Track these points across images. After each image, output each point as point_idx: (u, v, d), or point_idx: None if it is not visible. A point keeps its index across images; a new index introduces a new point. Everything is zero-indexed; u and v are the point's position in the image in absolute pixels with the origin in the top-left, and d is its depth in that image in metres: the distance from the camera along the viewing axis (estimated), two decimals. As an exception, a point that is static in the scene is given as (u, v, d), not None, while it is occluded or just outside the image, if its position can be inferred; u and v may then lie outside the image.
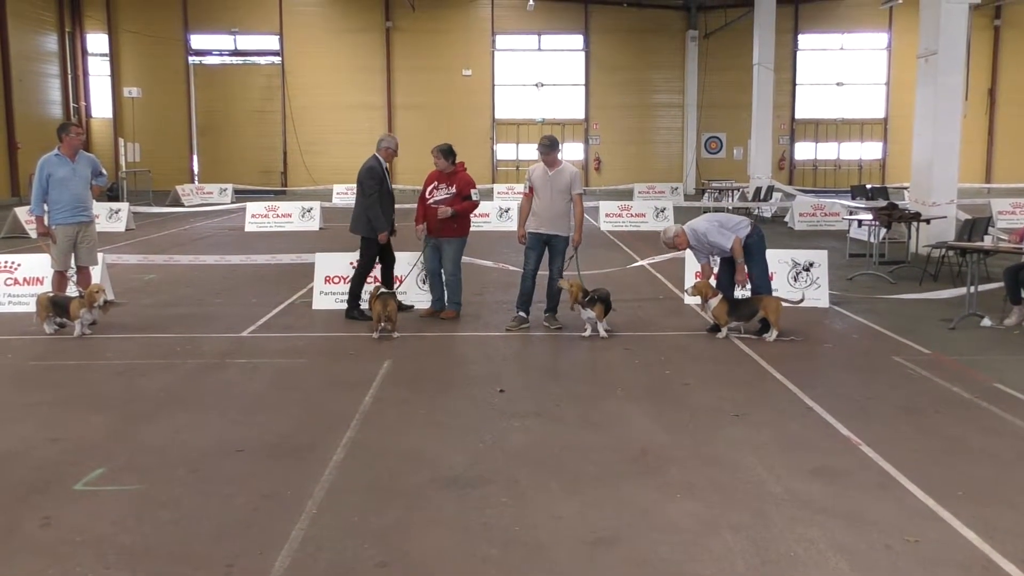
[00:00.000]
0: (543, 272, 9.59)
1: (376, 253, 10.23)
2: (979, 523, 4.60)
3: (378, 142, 10.50)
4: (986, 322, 9.65)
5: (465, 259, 11.84)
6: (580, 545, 4.40)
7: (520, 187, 32.42)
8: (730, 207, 25.24)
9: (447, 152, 9.97)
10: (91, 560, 4.21)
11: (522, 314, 9.55)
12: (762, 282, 9.24)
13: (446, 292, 10.21)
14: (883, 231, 14.74)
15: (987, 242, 11.39)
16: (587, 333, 9.10)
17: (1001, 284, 10.16)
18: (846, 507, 4.83)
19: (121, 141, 32.59)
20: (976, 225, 12.58)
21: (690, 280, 10.55)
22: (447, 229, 9.96)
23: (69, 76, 36.52)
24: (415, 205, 10.37)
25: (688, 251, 10.07)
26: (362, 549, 4.35)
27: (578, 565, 4.20)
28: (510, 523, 4.67)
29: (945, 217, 15.32)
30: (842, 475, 5.30)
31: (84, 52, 37.74)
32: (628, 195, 30.99)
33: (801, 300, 9.48)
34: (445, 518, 4.75)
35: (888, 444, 5.81)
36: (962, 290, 10.67)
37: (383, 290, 9.45)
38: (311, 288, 11.07)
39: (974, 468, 5.45)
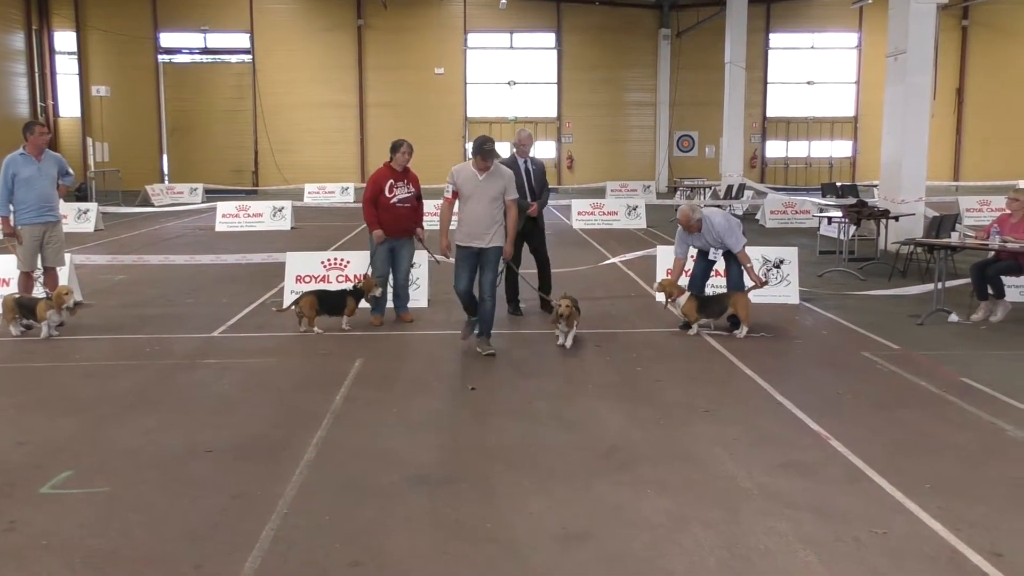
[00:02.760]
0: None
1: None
2: (946, 515, 4.65)
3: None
4: (953, 318, 9.76)
5: (437, 257, 11.83)
6: (552, 541, 4.40)
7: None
8: (702, 205, 25.35)
9: (411, 150, 9.76)
10: (57, 564, 4.16)
11: (473, 318, 8.72)
12: (735, 279, 9.28)
13: (399, 296, 10.04)
14: (852, 228, 14.88)
15: (954, 239, 11.53)
16: (564, 342, 8.59)
17: (968, 280, 10.30)
18: (815, 501, 4.87)
19: (90, 140, 32.19)
20: (944, 222, 12.73)
21: (662, 276, 10.58)
22: (407, 230, 9.75)
23: (36, 75, 36.05)
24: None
25: (666, 248, 10.10)
26: (334, 548, 4.33)
27: (550, 561, 4.21)
28: (482, 520, 4.66)
29: (914, 214, 15.48)
30: (811, 469, 5.35)
31: (51, 50, 37.25)
32: (601, 193, 31.07)
33: (765, 283, 9.43)
34: (417, 516, 4.74)
35: (857, 438, 5.86)
36: (930, 286, 10.79)
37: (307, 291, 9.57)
38: (282, 288, 11.00)
39: (941, 461, 5.51)
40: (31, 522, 4.63)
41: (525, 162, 10.19)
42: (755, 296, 9.43)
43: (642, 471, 5.35)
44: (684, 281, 9.53)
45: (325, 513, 4.74)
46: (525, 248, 10.27)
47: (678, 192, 29.01)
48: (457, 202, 8.21)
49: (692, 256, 9.65)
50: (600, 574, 4.05)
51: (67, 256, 10.36)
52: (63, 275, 10.11)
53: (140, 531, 4.54)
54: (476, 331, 8.44)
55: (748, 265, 9.13)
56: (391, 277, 9.81)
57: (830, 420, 6.25)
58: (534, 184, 10.17)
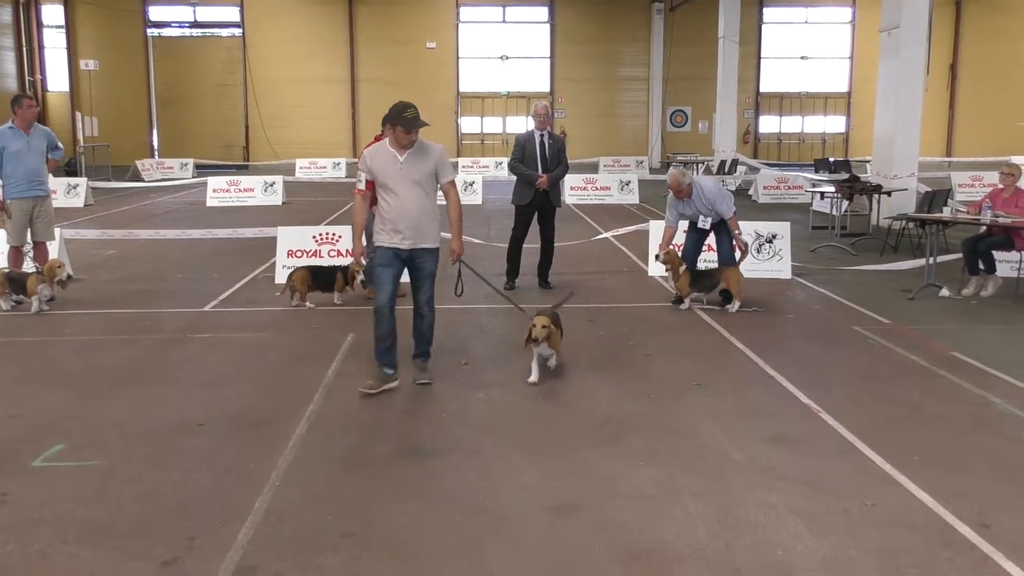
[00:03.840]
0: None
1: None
2: (935, 487, 4.68)
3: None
4: (944, 292, 9.79)
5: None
6: (543, 512, 4.42)
7: (485, 160, 32.41)
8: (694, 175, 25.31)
9: None
10: (50, 536, 4.16)
11: (387, 369, 6.40)
12: (727, 253, 9.27)
13: None
14: (845, 203, 14.88)
15: (946, 214, 11.54)
16: (535, 378, 6.63)
17: (959, 255, 10.32)
18: (805, 473, 4.89)
19: (79, 115, 31.98)
20: (936, 197, 12.72)
21: (655, 250, 10.56)
22: None
23: (24, 48, 35.73)
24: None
25: (659, 222, 10.09)
26: (326, 520, 4.34)
27: (541, 532, 4.23)
28: (474, 492, 4.68)
29: (906, 190, 15.48)
30: (802, 442, 5.37)
31: (39, 24, 36.90)
32: (594, 168, 31.00)
33: (745, 248, 9.28)
34: (409, 488, 4.75)
35: (847, 412, 5.89)
36: (921, 261, 10.82)
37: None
38: (274, 262, 10.97)
39: (931, 434, 5.54)
40: (24, 495, 4.63)
41: (542, 135, 10.05)
42: (747, 271, 9.45)
43: (633, 443, 5.37)
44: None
45: (317, 485, 4.75)
46: (533, 226, 10.21)
47: (671, 168, 28.96)
48: (378, 195, 6.34)
49: (683, 230, 9.64)
50: (591, 544, 4.07)
51: (57, 231, 10.31)
52: (53, 250, 10.05)
53: (133, 504, 4.54)
54: (413, 353, 6.71)
55: (736, 232, 9.11)
56: None
57: (821, 393, 6.27)
58: (548, 159, 9.99)
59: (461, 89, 38.43)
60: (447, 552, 4.04)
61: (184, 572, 3.84)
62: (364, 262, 6.92)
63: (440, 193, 6.51)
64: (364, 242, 6.79)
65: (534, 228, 10.16)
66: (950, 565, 3.87)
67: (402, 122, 6.13)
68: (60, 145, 10.06)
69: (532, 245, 10.28)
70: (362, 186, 6.39)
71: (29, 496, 4.61)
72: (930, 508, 4.45)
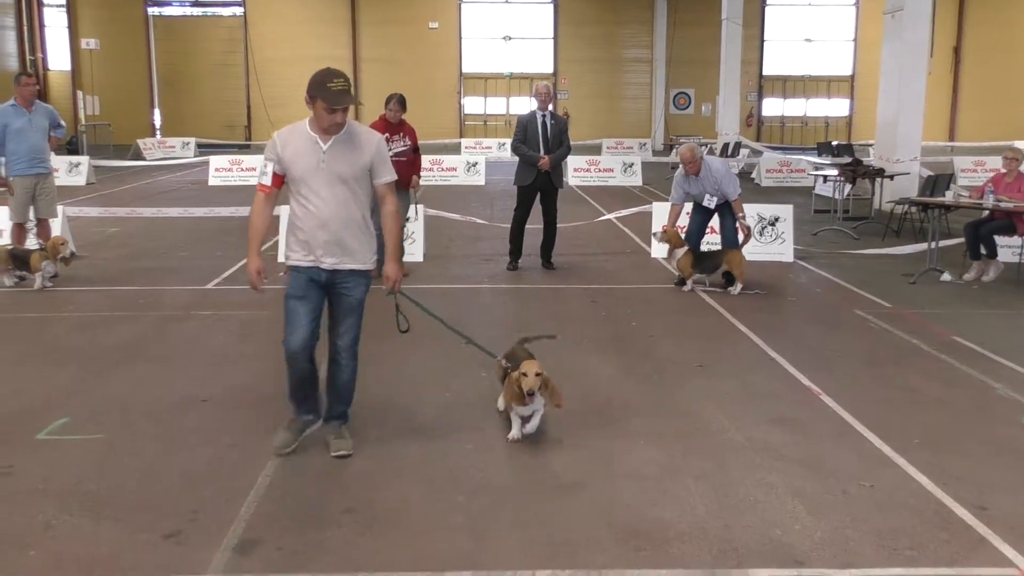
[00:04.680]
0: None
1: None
2: (933, 470, 4.70)
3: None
4: (946, 277, 9.80)
5: (432, 212, 11.85)
6: (545, 491, 4.45)
7: (488, 141, 32.29)
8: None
9: (404, 102, 9.69)
10: (54, 507, 4.19)
11: (284, 432, 4.96)
12: (730, 235, 9.27)
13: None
14: (847, 187, 14.87)
15: (949, 198, 11.53)
16: (516, 435, 5.08)
17: (961, 240, 10.33)
18: (805, 454, 4.92)
19: (80, 94, 31.92)
20: (938, 182, 12.71)
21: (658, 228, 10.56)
22: (404, 183, 9.72)
23: (25, 27, 35.60)
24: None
25: (662, 204, 10.08)
26: (329, 496, 4.37)
27: (543, 510, 4.25)
28: (476, 471, 4.71)
29: (908, 174, 15.47)
30: (802, 424, 5.40)
31: (40, 3, 36.79)
32: (596, 150, 30.92)
33: (749, 231, 9.20)
34: (411, 466, 4.78)
35: (848, 394, 5.91)
36: (923, 245, 10.82)
37: None
38: (276, 241, 10.96)
39: (931, 418, 5.56)
40: (28, 467, 4.66)
41: (544, 116, 9.98)
42: (750, 253, 9.45)
43: (635, 424, 5.40)
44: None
45: (319, 462, 4.78)
46: (536, 206, 10.17)
47: (674, 150, 28.91)
48: (291, 195, 4.75)
49: (687, 212, 9.63)
50: (592, 523, 4.10)
51: (59, 208, 10.31)
52: (56, 227, 10.07)
53: (136, 477, 4.57)
54: (320, 416, 5.09)
55: (741, 215, 9.11)
56: None
57: (822, 376, 6.29)
58: (551, 139, 9.92)
59: (464, 69, 38.34)
60: (448, 529, 4.07)
61: (187, 545, 3.87)
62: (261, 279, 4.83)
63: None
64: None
65: (537, 209, 10.15)
66: (947, 547, 3.89)
67: (325, 95, 4.44)
68: (62, 123, 10.05)
69: (535, 226, 10.28)
70: (267, 181, 4.67)
71: (33, 468, 4.65)
72: (928, 490, 4.47)
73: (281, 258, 9.98)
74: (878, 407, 5.70)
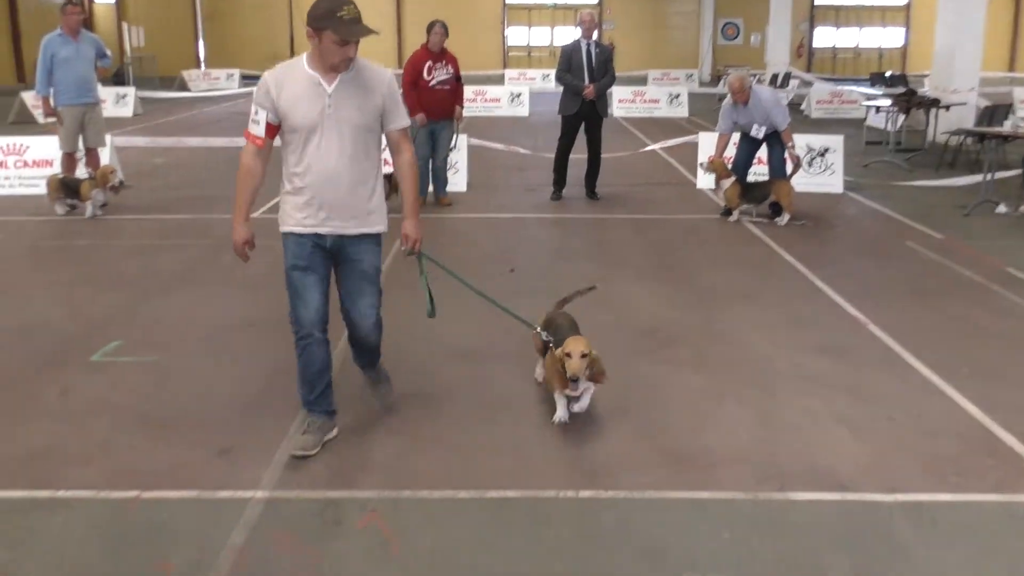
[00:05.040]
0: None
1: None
2: (982, 399, 4.65)
3: None
4: (1001, 208, 9.57)
5: (475, 142, 11.78)
6: (589, 416, 4.47)
7: (532, 72, 31.87)
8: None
9: (447, 29, 9.59)
10: (108, 426, 4.32)
11: (321, 417, 4.18)
12: (778, 166, 9.12)
13: (439, 179, 10.02)
14: (901, 118, 14.50)
15: (1007, 128, 11.21)
16: (562, 417, 4.31)
17: (1018, 171, 10.07)
18: (851, 382, 4.89)
19: (125, 25, 31.98)
20: (996, 112, 12.36)
21: (704, 159, 10.42)
22: (447, 112, 9.71)
23: (70, -43, 35.59)
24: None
25: (708, 135, 9.92)
26: (375, 416, 4.44)
27: (587, 434, 4.29)
28: (521, 394, 4.75)
29: (965, 104, 15.01)
30: (848, 352, 5.35)
31: (85, -69, 36.72)
32: (642, 81, 30.43)
33: (798, 161, 9.01)
34: (455, 390, 4.83)
35: (896, 324, 5.84)
36: (978, 177, 10.55)
37: None
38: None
39: (981, 348, 5.48)
40: (84, 388, 4.79)
41: (588, 44, 9.83)
42: (798, 184, 9.29)
43: (679, 351, 5.39)
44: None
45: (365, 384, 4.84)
46: (580, 136, 10.06)
47: (721, 81, 28.36)
48: (284, 143, 3.97)
49: (734, 143, 9.47)
50: (635, 447, 4.12)
51: (107, 138, 10.42)
52: (104, 156, 10.19)
53: (189, 397, 4.68)
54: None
55: (790, 144, 8.94)
56: (431, 160, 9.81)
57: (869, 306, 6.22)
58: (595, 68, 9.77)
59: (507, 0, 37.70)
60: (493, 450, 4.12)
61: (239, 462, 3.96)
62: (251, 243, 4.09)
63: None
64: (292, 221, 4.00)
65: (581, 139, 10.05)
66: (993, 473, 3.86)
67: (335, 26, 3.69)
68: (108, 52, 10.08)
69: (579, 156, 10.19)
70: (260, 131, 3.88)
71: (89, 389, 4.78)
72: (976, 418, 4.43)
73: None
74: (927, 337, 5.63)
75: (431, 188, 9.93)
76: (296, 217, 3.96)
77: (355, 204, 3.94)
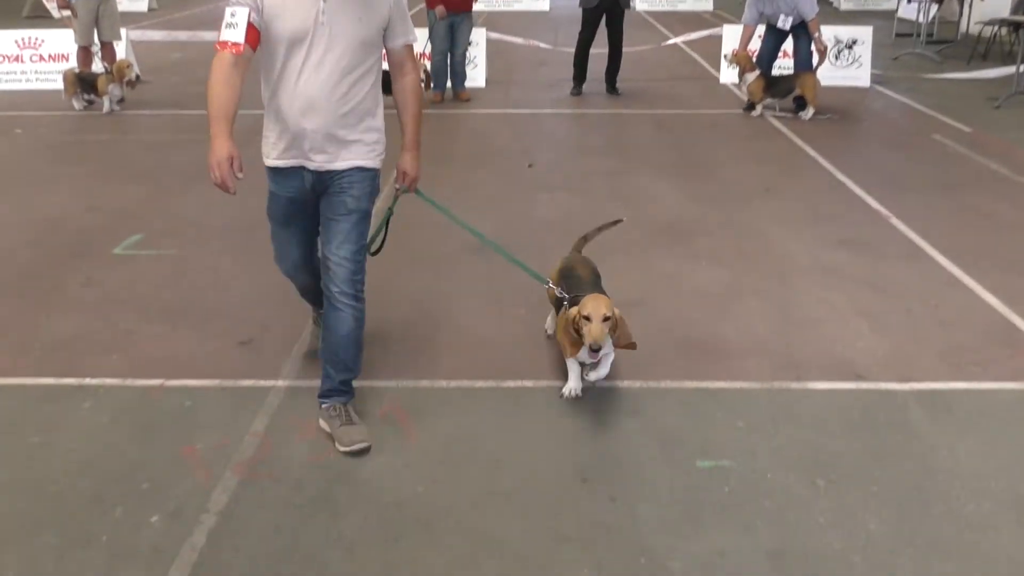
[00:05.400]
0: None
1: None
2: (1003, 290, 4.61)
3: None
4: (1033, 101, 9.34)
5: (493, 35, 11.54)
6: (605, 307, 4.49)
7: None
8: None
9: None
10: (133, 316, 4.38)
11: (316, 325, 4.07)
12: (804, 58, 8.89)
13: (457, 74, 9.88)
14: (934, 8, 14.03)
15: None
16: (575, 388, 3.61)
17: (1053, 61, 9.76)
18: (871, 275, 4.86)
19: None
20: (1033, 0, 11.93)
21: (728, 51, 10.18)
22: (466, 4, 9.51)
23: None
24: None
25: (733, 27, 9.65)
26: (390, 310, 4.47)
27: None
28: (537, 287, 4.74)
29: (1002, -8, 14.49)
30: (870, 246, 5.31)
31: None
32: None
33: (824, 51, 8.78)
34: (474, 281, 4.85)
35: (919, 217, 5.77)
36: (1011, 68, 10.25)
37: None
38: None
39: (1005, 241, 5.42)
40: (107, 279, 4.84)
41: None
42: (824, 78, 9.08)
43: (698, 244, 5.37)
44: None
45: (388, 278, 4.85)
46: (601, 30, 9.80)
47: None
48: (266, 62, 3.30)
49: (759, 36, 9.21)
50: (653, 338, 4.14)
51: (123, 31, 10.29)
52: (120, 50, 10.07)
53: (210, 290, 4.73)
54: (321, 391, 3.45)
55: (817, 35, 8.68)
56: (449, 55, 9.64)
57: (892, 199, 6.14)
58: None
59: None
60: (509, 342, 4.16)
61: (259, 352, 4.03)
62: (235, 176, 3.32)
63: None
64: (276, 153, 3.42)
65: (602, 33, 9.81)
66: (1011, 362, 3.87)
67: None
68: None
69: (599, 51, 9.97)
70: (239, 36, 3.10)
71: (112, 280, 4.83)
72: (995, 309, 4.41)
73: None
74: (951, 230, 5.57)
75: (449, 83, 9.79)
76: (276, 146, 3.36)
77: (343, 136, 3.25)
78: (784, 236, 5.48)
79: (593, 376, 3.58)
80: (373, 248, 3.79)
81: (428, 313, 4.45)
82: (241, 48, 3.08)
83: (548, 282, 3.84)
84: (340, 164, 3.30)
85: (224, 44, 3.10)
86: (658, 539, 2.77)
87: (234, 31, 3.08)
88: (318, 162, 3.29)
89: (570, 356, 3.51)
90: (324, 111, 3.19)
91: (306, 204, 3.42)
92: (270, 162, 3.43)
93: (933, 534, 2.78)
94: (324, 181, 3.32)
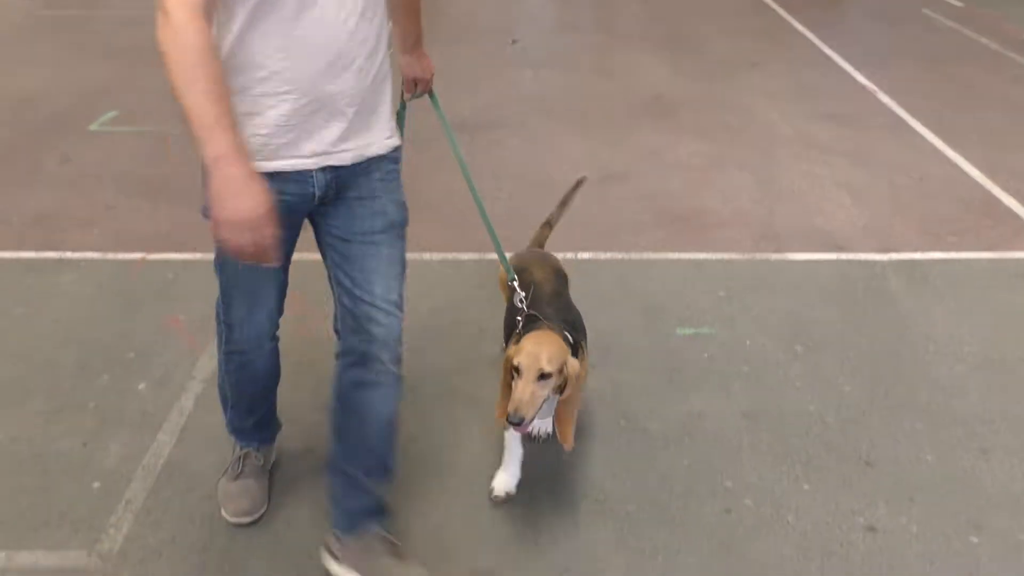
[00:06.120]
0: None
1: None
2: (987, 164, 4.62)
3: None
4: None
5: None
6: (589, 181, 4.46)
7: None
8: None
9: None
10: (112, 191, 4.34)
11: (258, 445, 2.53)
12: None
13: None
14: None
15: None
16: (502, 491, 2.43)
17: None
18: (855, 148, 4.85)
19: None
20: None
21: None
22: None
23: None
24: None
25: None
26: (375, 184, 4.44)
27: (587, 198, 4.27)
28: (521, 163, 4.73)
29: None
30: (854, 119, 5.28)
31: None
32: None
33: None
34: (451, 159, 4.78)
35: (905, 91, 5.72)
36: (1006, -60, 10.00)
37: None
38: None
39: (992, 115, 5.40)
40: (84, 156, 4.78)
41: None
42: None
43: (683, 118, 5.32)
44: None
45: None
46: None
47: None
48: (249, 19, 1.77)
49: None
50: (635, 210, 4.15)
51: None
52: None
53: (187, 166, 4.59)
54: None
55: None
56: None
57: (879, 74, 6.07)
58: None
59: None
60: (496, 216, 4.11)
61: (242, 226, 4.00)
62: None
63: None
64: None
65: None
66: (989, 232, 3.90)
67: None
68: None
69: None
70: None
71: (89, 157, 4.76)
72: (978, 182, 4.42)
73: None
74: (937, 104, 5.53)
75: None
76: (270, 146, 1.88)
77: (372, 103, 1.98)
78: (769, 110, 5.43)
79: (539, 428, 2.48)
80: (459, 156, 2.79)
81: (412, 188, 4.35)
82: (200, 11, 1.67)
83: (515, 278, 2.53)
84: (375, 148, 2.03)
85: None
86: (639, 403, 2.83)
87: None
88: (353, 150, 1.97)
89: (498, 420, 2.24)
90: (348, 69, 1.86)
91: (301, 217, 2.08)
92: (266, 165, 1.86)
93: (905, 395, 2.85)
94: (345, 181, 2.02)
